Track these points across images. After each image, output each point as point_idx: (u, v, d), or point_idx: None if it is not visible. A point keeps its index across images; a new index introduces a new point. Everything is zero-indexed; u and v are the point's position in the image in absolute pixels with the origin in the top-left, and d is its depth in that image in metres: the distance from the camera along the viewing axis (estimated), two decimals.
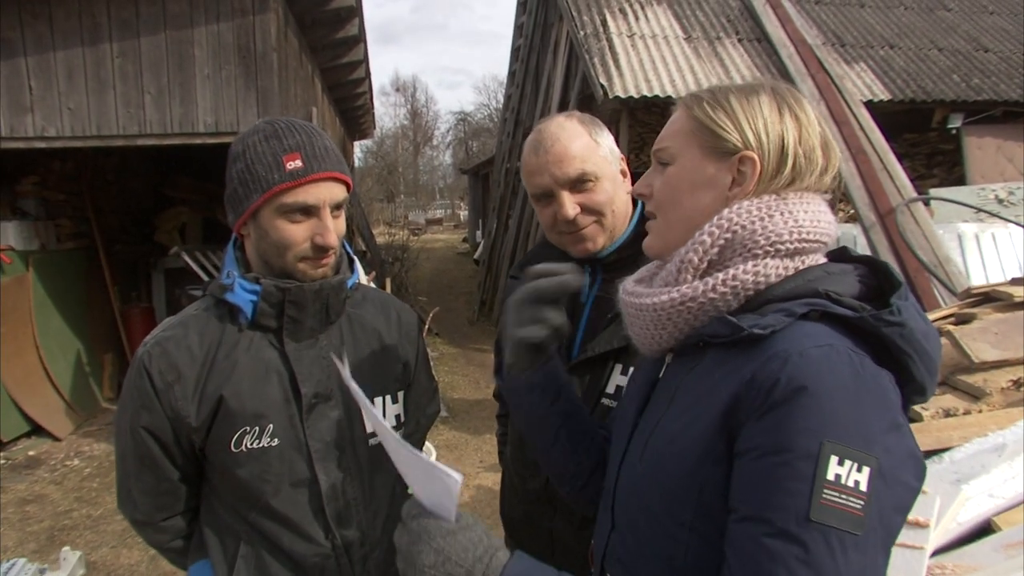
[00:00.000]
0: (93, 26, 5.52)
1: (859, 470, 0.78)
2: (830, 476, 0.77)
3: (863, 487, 0.78)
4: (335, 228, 1.40)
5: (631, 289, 1.06)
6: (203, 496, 1.53)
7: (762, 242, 0.94)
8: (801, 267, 0.95)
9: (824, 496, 0.77)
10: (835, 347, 0.84)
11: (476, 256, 17.79)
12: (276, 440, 1.41)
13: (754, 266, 0.93)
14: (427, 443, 1.41)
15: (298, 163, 1.33)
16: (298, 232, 1.36)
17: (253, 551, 1.44)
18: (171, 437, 1.41)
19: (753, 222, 0.94)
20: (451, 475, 0.94)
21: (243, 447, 1.39)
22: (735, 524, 0.84)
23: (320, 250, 1.38)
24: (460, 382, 8.14)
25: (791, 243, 0.94)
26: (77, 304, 7.40)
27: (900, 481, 0.82)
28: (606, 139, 1.55)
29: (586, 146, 1.50)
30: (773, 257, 0.94)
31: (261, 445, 1.40)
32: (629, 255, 1.53)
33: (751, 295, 0.94)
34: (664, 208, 1.03)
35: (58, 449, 6.14)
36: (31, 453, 6.03)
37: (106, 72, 5.56)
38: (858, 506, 0.78)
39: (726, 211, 0.96)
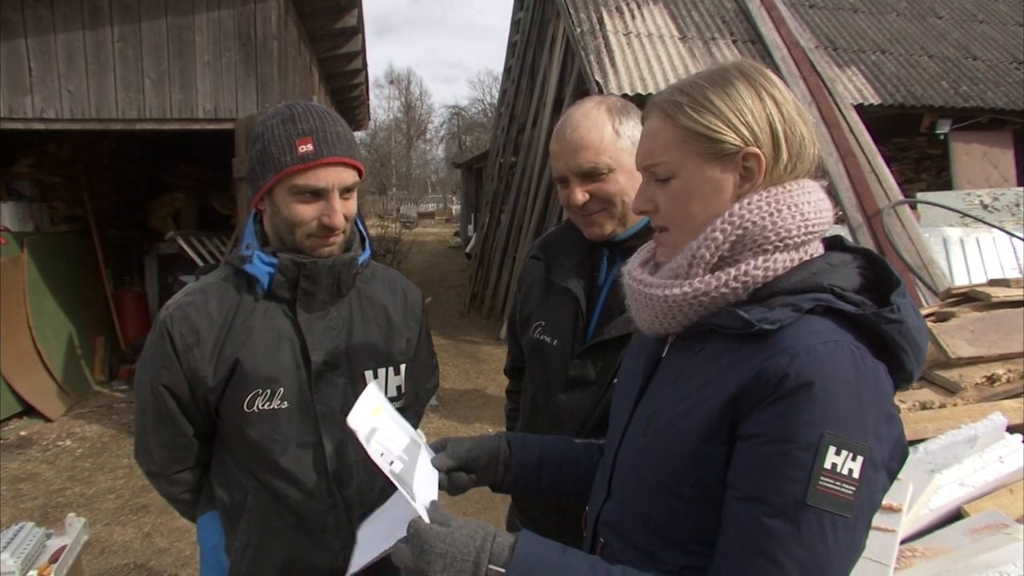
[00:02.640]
0: (94, 9, 5.55)
1: (854, 459, 0.85)
2: (827, 465, 0.85)
3: (856, 474, 0.85)
4: (345, 209, 1.48)
5: (639, 277, 1.09)
6: (215, 452, 1.62)
7: (772, 238, 0.97)
8: (805, 258, 1.00)
9: (820, 483, 0.85)
10: (839, 343, 0.89)
11: (468, 250, 17.82)
12: (286, 403, 1.49)
13: (764, 261, 0.97)
14: (419, 430, 1.50)
15: (309, 147, 1.41)
16: (307, 212, 1.45)
17: (259, 505, 1.53)
18: (188, 395, 1.50)
19: (763, 218, 0.97)
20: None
21: (255, 408, 1.48)
22: (735, 501, 0.90)
23: (326, 230, 1.46)
24: (450, 372, 8.19)
25: (798, 237, 0.98)
26: (70, 287, 7.41)
27: (886, 467, 0.90)
28: (632, 129, 1.54)
29: (604, 137, 1.51)
30: (782, 251, 0.98)
31: (271, 407, 1.49)
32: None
33: (759, 287, 0.98)
34: (678, 222, 1.04)
35: (50, 430, 6.17)
36: (23, 433, 6.06)
37: (106, 56, 5.59)
38: (850, 492, 0.85)
39: (736, 207, 0.98)
